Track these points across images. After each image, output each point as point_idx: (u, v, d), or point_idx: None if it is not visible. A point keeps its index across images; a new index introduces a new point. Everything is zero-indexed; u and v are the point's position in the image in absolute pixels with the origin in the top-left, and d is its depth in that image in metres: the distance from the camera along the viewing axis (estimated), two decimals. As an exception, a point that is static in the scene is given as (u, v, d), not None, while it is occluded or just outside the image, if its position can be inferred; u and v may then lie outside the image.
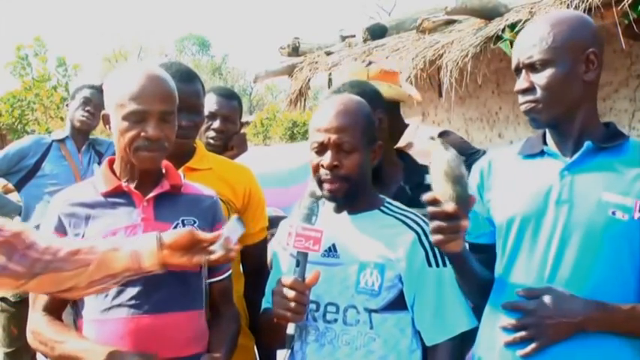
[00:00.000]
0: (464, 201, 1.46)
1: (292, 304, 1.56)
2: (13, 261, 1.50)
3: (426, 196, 1.47)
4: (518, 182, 1.64)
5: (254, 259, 2.17)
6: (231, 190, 2.14)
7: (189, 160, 2.12)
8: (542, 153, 1.65)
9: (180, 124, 2.00)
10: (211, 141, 2.57)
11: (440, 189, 1.46)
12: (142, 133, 1.65)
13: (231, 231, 1.61)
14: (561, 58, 1.54)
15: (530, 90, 1.57)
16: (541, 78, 1.55)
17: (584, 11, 3.14)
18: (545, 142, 1.66)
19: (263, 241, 2.21)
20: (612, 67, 3.95)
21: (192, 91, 2.07)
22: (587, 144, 1.56)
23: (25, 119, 11.53)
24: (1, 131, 11.72)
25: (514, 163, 1.70)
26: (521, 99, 1.60)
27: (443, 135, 2.37)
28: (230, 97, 2.70)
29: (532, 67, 1.56)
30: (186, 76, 2.07)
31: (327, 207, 1.79)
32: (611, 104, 3.99)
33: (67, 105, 3.89)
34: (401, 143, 2.35)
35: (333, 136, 1.66)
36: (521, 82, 1.58)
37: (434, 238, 1.48)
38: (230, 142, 2.67)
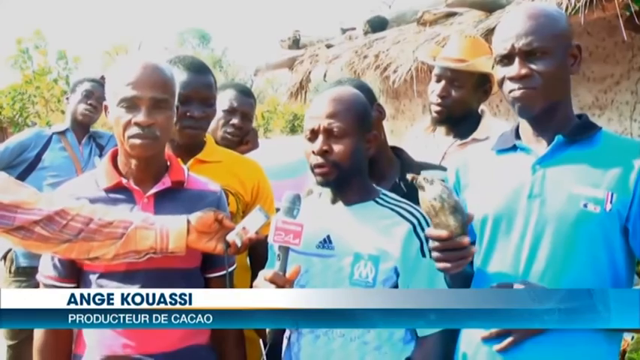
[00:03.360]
0: (466, 226, 1.47)
1: None
2: (39, 225, 1.55)
3: (431, 235, 1.49)
4: (492, 178, 1.64)
5: (261, 253, 2.19)
6: (240, 183, 2.16)
7: (200, 153, 2.13)
8: (514, 148, 1.64)
9: (193, 114, 2.05)
10: (228, 136, 2.57)
11: (442, 224, 1.47)
12: (134, 120, 1.65)
13: (251, 221, 1.64)
14: (557, 49, 1.54)
15: (528, 76, 1.54)
16: (539, 65, 1.53)
17: (586, 3, 3.13)
18: (518, 137, 1.65)
19: None
20: (614, 60, 3.94)
21: (204, 82, 2.09)
22: (557, 137, 1.56)
23: (26, 112, 11.54)
24: (2, 124, 11.74)
25: (488, 159, 1.70)
26: (514, 85, 1.55)
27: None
28: (249, 95, 2.73)
29: (529, 54, 1.53)
30: (199, 68, 2.10)
31: (322, 198, 1.79)
32: (613, 96, 3.98)
33: (67, 98, 3.88)
34: (480, 136, 2.35)
35: (324, 122, 1.67)
36: (518, 69, 1.54)
37: (440, 266, 1.49)
38: (245, 138, 2.69)
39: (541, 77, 1.53)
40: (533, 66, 1.53)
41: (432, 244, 1.49)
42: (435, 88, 2.42)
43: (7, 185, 1.57)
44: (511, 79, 1.55)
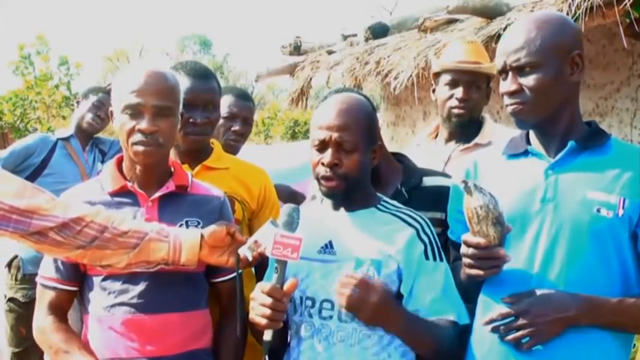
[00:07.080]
0: (504, 238, 1.51)
1: (268, 312, 1.55)
2: (54, 230, 1.56)
3: (470, 242, 1.52)
4: (504, 182, 1.67)
5: (267, 261, 2.20)
6: (246, 190, 2.17)
7: (207, 159, 2.14)
8: (526, 153, 1.68)
9: (195, 121, 2.04)
10: (232, 142, 2.59)
11: (482, 233, 1.51)
12: (137, 127, 1.67)
13: (263, 235, 1.62)
14: (549, 61, 1.56)
15: (518, 92, 1.59)
16: (529, 80, 1.57)
17: (586, 10, 3.15)
18: (528, 142, 1.69)
19: None
20: (614, 66, 3.96)
21: (207, 88, 2.09)
22: (570, 143, 1.60)
23: (27, 118, 11.56)
24: (3, 130, 11.75)
25: (499, 163, 1.74)
26: (508, 100, 1.62)
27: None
28: (248, 99, 2.74)
29: (520, 70, 1.58)
30: (202, 74, 2.10)
31: (324, 204, 1.80)
32: (613, 103, 3.99)
33: (77, 102, 3.88)
34: (482, 141, 2.40)
35: (335, 134, 1.66)
36: (509, 85, 1.60)
37: (473, 272, 1.53)
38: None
39: (531, 92, 1.57)
40: (523, 81, 1.58)
41: (467, 250, 1.53)
42: (452, 93, 2.45)
43: (24, 190, 1.58)
44: (504, 94, 1.62)
